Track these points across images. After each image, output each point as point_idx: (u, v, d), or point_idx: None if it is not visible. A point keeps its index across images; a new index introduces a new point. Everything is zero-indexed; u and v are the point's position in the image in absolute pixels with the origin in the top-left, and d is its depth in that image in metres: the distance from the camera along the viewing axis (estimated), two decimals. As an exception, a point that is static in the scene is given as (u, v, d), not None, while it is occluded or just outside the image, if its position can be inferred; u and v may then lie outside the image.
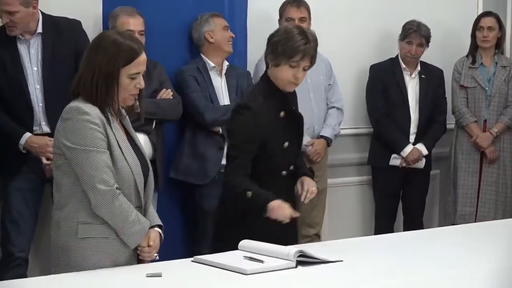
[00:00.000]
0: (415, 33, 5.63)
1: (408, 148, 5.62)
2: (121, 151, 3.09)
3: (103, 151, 3.02)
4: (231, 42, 5.02)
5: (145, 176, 3.20)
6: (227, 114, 4.87)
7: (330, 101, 5.44)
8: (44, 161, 4.33)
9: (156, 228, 3.22)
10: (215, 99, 4.96)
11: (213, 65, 5.00)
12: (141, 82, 3.11)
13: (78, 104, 3.03)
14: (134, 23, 4.63)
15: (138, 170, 3.14)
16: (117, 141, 3.09)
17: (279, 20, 5.33)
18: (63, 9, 4.58)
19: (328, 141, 5.36)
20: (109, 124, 3.08)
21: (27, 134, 4.34)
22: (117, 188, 3.03)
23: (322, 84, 5.39)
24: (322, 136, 5.35)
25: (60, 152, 3.06)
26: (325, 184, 5.45)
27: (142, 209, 3.20)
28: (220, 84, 5.02)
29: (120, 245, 3.09)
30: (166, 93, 4.72)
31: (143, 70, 3.12)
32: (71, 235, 3.05)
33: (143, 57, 3.10)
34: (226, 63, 5.06)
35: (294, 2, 5.31)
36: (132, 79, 3.08)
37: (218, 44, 4.98)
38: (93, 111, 3.02)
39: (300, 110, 5.18)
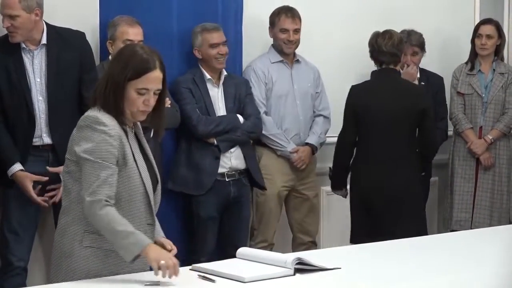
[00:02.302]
0: (405, 44, 5.63)
1: None
2: (136, 164, 3.07)
3: (109, 166, 2.97)
4: (220, 59, 4.94)
5: (154, 189, 3.17)
6: (220, 125, 4.90)
7: (317, 109, 5.43)
8: (33, 194, 4.29)
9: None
10: (211, 109, 4.95)
11: (209, 77, 4.99)
12: (150, 100, 3.03)
13: (96, 114, 3.00)
14: (133, 33, 4.62)
15: (149, 184, 3.11)
16: (132, 153, 3.06)
17: (271, 28, 5.32)
18: (60, 19, 4.58)
19: (313, 149, 5.34)
20: (126, 136, 3.06)
21: (15, 167, 4.30)
22: (106, 201, 2.94)
23: (309, 91, 5.39)
24: (307, 144, 5.33)
25: (73, 158, 3.04)
26: (316, 190, 5.47)
27: (154, 227, 3.18)
28: (216, 94, 5.01)
29: (122, 258, 3.04)
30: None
31: (155, 88, 3.03)
32: (75, 242, 3.03)
33: (155, 74, 3.02)
34: (224, 73, 5.04)
35: (288, 12, 5.29)
36: (140, 94, 3.01)
37: (205, 60, 4.96)
38: (110, 123, 2.99)
39: (286, 117, 5.34)
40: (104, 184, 2.95)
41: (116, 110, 3.02)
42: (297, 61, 5.41)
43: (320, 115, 5.43)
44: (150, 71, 3.01)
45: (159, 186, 3.24)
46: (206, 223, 4.93)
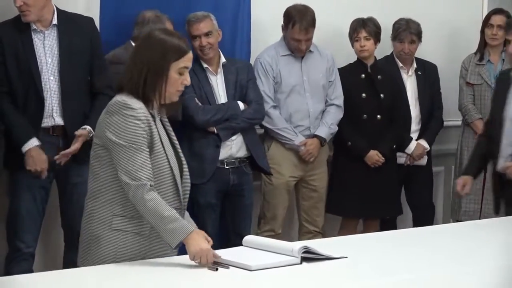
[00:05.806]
0: (404, 32, 5.59)
1: (412, 145, 5.62)
2: (163, 148, 3.13)
3: (142, 149, 3.05)
4: (204, 51, 4.87)
5: (180, 175, 3.23)
6: (218, 114, 4.86)
7: (330, 98, 5.34)
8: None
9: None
10: (211, 98, 4.92)
11: (206, 65, 4.95)
12: (187, 79, 3.17)
13: (124, 99, 3.08)
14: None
15: (176, 168, 3.18)
16: (160, 137, 3.13)
17: (284, 27, 5.18)
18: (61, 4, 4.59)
19: (322, 141, 5.28)
20: (154, 121, 3.13)
21: (32, 142, 4.29)
22: (150, 185, 3.04)
23: (321, 82, 5.29)
24: (316, 136, 5.28)
25: (102, 143, 3.10)
26: (325, 181, 5.42)
27: (183, 211, 3.23)
28: (216, 82, 4.98)
29: (151, 242, 3.12)
30: None
31: (190, 66, 3.20)
32: (104, 226, 3.09)
33: (190, 54, 3.18)
34: (222, 60, 4.98)
35: (302, 21, 5.07)
36: (180, 75, 3.14)
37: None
38: (139, 107, 3.07)
39: (295, 110, 5.23)
40: (143, 167, 3.04)
41: (151, 95, 3.10)
42: (309, 51, 5.29)
43: (333, 104, 5.34)
44: (188, 51, 3.17)
45: (186, 172, 3.29)
46: (205, 209, 4.92)
